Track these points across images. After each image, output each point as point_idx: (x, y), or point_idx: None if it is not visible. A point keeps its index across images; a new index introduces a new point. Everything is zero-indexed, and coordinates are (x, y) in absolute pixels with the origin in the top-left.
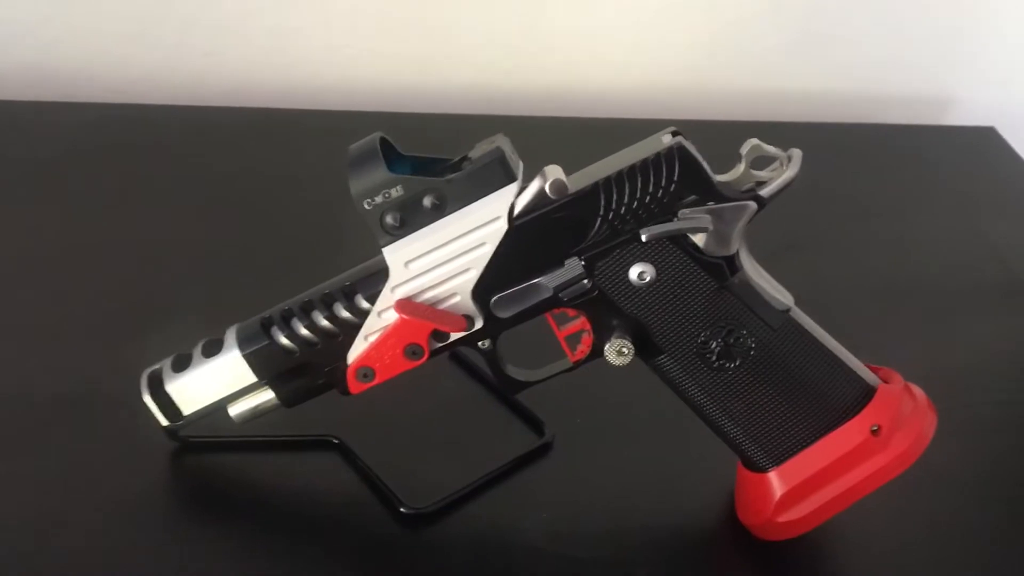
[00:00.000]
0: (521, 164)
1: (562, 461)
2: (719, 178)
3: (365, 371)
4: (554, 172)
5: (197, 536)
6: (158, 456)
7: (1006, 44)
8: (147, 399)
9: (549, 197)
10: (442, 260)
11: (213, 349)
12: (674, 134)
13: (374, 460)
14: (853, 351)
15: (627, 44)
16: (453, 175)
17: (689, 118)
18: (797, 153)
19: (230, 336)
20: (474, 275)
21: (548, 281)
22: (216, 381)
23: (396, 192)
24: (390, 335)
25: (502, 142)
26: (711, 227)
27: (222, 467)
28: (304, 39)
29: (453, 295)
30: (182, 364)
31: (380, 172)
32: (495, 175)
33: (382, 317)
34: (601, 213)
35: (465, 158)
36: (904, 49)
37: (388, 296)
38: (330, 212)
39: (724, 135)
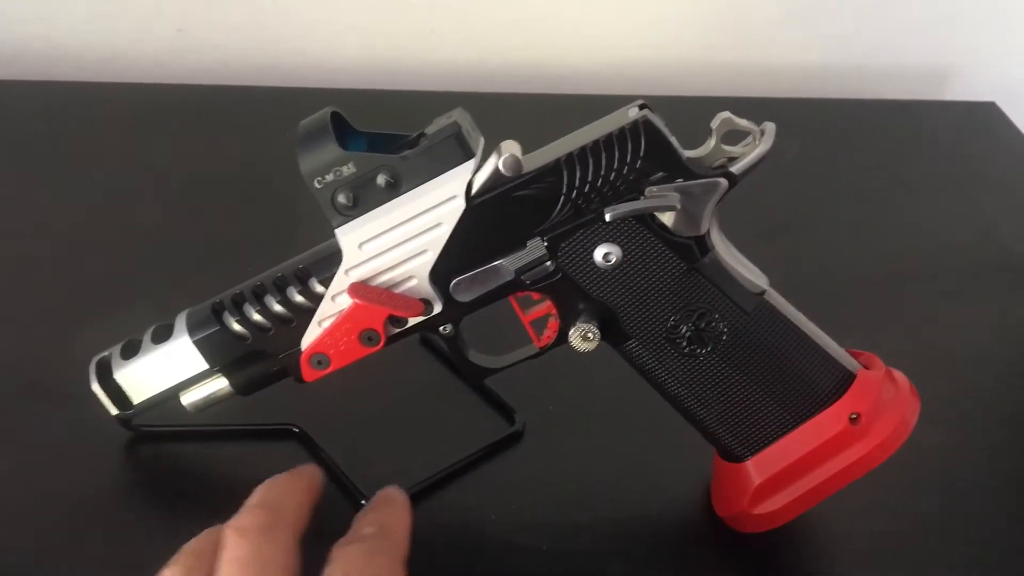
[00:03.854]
0: (482, 140)
1: (533, 450)
2: (688, 154)
3: (319, 358)
4: (509, 148)
5: (153, 528)
6: (111, 447)
7: (1007, 17)
8: (95, 387)
9: (505, 175)
10: (397, 241)
11: (163, 335)
12: (641, 107)
13: (336, 450)
14: (841, 336)
15: (610, 18)
16: (408, 152)
17: (675, 94)
18: (770, 127)
19: (180, 322)
20: (431, 257)
21: (509, 263)
22: (166, 368)
23: (348, 170)
24: (344, 320)
25: (460, 117)
26: (679, 205)
27: (178, 457)
28: (283, 14)
29: (410, 278)
30: (131, 351)
31: (331, 149)
32: (451, 152)
33: (336, 301)
34: (564, 191)
35: (422, 134)
36: (903, 22)
37: (342, 279)
38: (303, 194)
39: (711, 111)
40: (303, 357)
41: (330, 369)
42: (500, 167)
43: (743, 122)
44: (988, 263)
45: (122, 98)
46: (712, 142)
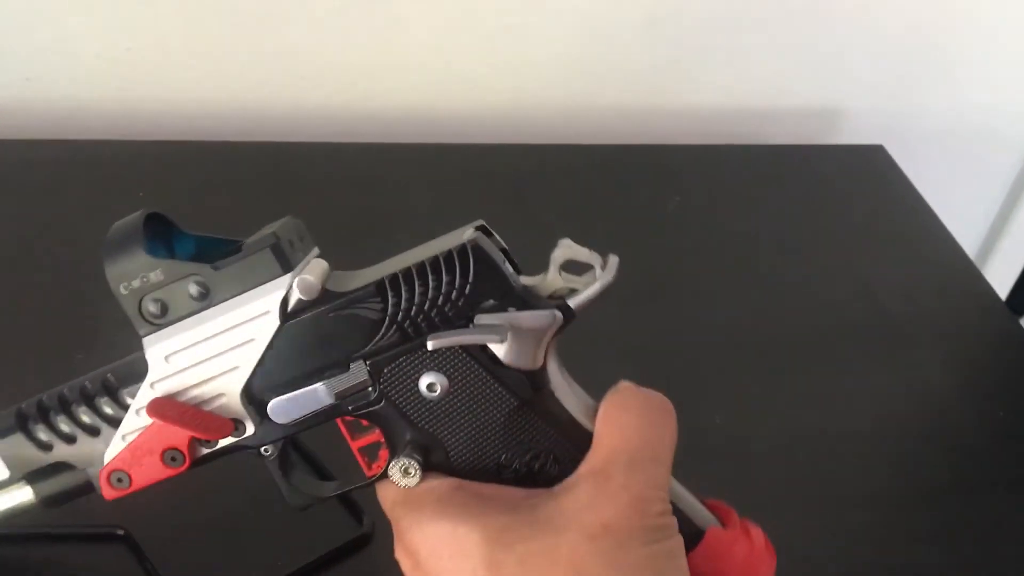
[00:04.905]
0: (314, 251)
1: (383, 554)
2: (525, 280)
3: (119, 475)
4: (314, 269)
5: None
6: None
7: (893, 55)
8: None
9: (303, 299)
10: (207, 356)
11: None
12: (478, 228)
13: (164, 557)
14: (705, 410)
15: (495, 63)
16: (222, 261)
17: (558, 142)
18: (613, 260)
19: None
20: (243, 374)
21: (330, 387)
22: None
23: (155, 276)
24: (145, 438)
25: (284, 227)
26: (507, 337)
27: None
28: (141, 62)
29: (220, 395)
30: None
31: (138, 254)
32: (267, 264)
33: (140, 416)
34: (387, 314)
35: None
36: (790, 63)
37: (147, 392)
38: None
39: (595, 158)
40: (102, 473)
41: (131, 489)
42: (295, 288)
43: (583, 252)
44: (863, 324)
45: None
46: (551, 271)
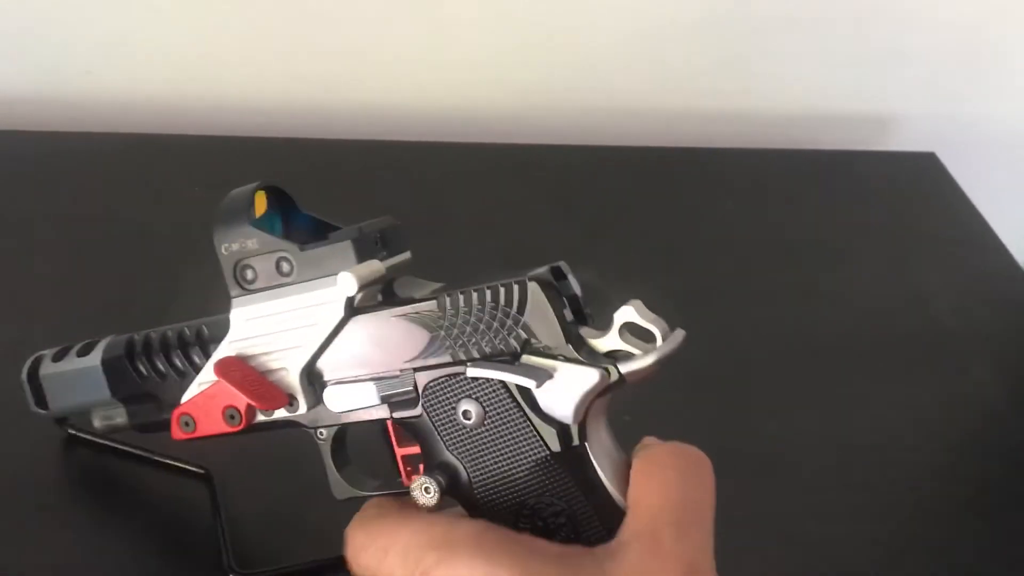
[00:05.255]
0: (405, 255)
1: None
2: (587, 332)
3: (187, 419)
4: (363, 269)
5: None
6: (51, 440)
7: (945, 60)
8: (24, 378)
9: (394, 295)
10: (278, 328)
11: (85, 351)
12: (553, 268)
13: (234, 511)
14: (754, 414)
15: (546, 64)
16: (309, 244)
17: (606, 143)
18: (678, 334)
19: (101, 344)
20: (305, 355)
21: (379, 387)
22: (76, 385)
23: (251, 245)
24: (214, 391)
25: (375, 224)
26: (538, 384)
27: (100, 466)
28: (197, 57)
29: (282, 368)
30: (59, 356)
31: (241, 220)
32: (344, 256)
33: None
34: (443, 329)
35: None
36: (840, 68)
37: (225, 349)
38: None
39: (642, 162)
40: (175, 412)
41: (195, 434)
42: (339, 282)
43: (649, 316)
44: (913, 333)
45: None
46: (612, 330)
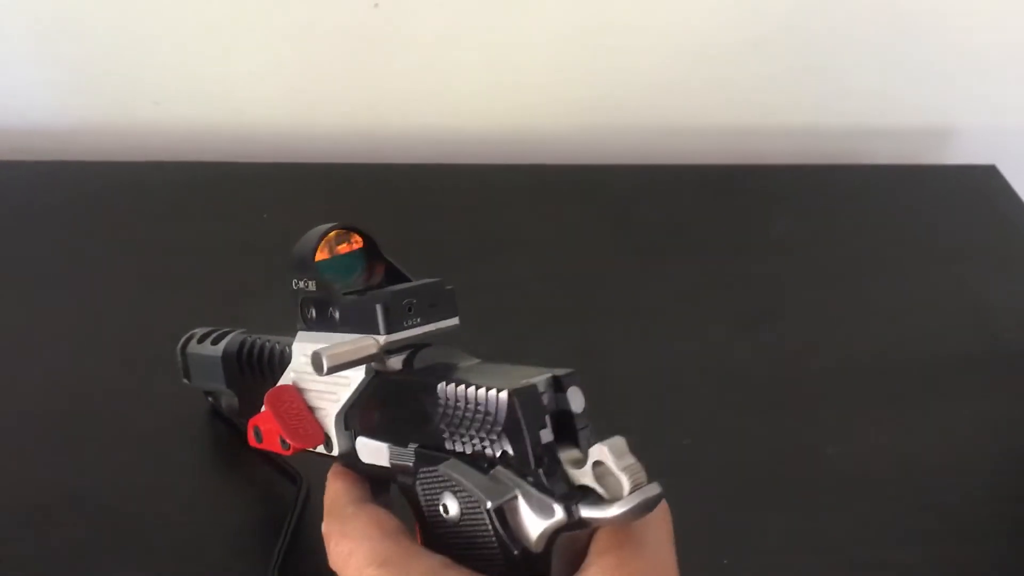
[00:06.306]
0: (451, 321)
1: None
2: (565, 456)
3: (257, 430)
4: (330, 350)
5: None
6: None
7: (1005, 71)
8: (178, 349)
9: (410, 365)
10: None
11: (218, 340)
12: (556, 378)
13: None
14: (816, 434)
15: (599, 83)
16: (350, 296)
17: (662, 162)
18: (648, 492)
19: (228, 337)
20: (339, 404)
21: (391, 454)
22: (204, 368)
23: (311, 287)
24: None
25: (415, 290)
26: (488, 502)
27: (227, 441)
28: (261, 86)
29: (323, 409)
30: (203, 339)
31: (308, 261)
32: (371, 317)
33: None
34: (439, 413)
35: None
36: (898, 81)
37: (288, 376)
38: None
39: (698, 179)
40: (251, 421)
41: (262, 446)
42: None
43: (623, 463)
44: (975, 350)
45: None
46: (588, 463)
